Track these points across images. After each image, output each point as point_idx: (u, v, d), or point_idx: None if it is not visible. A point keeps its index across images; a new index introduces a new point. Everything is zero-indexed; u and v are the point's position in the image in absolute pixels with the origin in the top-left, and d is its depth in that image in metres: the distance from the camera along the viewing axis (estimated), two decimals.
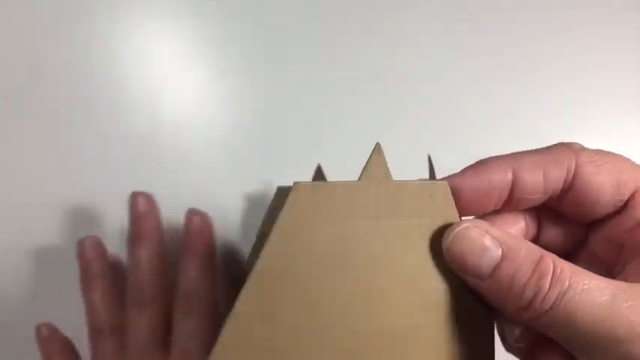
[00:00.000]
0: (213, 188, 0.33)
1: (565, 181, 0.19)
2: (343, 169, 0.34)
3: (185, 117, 0.35)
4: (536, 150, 0.21)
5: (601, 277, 0.16)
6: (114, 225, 0.32)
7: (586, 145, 0.20)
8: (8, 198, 0.32)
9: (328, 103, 0.35)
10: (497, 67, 0.36)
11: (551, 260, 0.16)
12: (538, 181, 0.19)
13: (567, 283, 0.15)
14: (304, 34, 0.37)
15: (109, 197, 0.33)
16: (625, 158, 0.20)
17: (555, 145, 0.21)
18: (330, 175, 0.33)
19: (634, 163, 0.19)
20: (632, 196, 0.19)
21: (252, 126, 0.35)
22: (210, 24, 0.37)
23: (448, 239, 0.18)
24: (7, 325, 0.30)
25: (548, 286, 0.16)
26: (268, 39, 0.37)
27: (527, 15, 0.38)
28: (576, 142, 0.21)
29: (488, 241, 0.17)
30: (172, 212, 0.33)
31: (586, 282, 0.15)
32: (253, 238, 0.30)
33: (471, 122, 0.35)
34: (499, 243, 0.17)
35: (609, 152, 0.20)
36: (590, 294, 0.15)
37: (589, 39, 0.37)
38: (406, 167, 0.34)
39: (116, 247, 0.32)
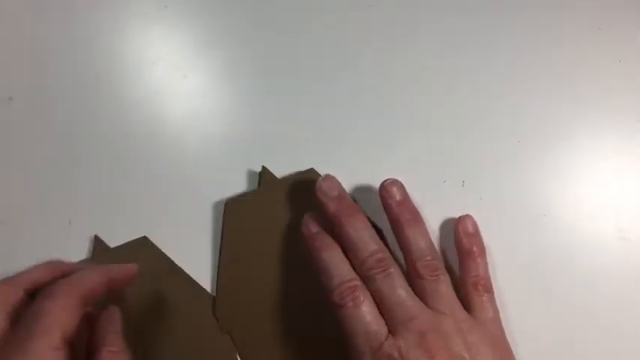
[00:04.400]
0: (214, 188, 0.33)
1: None
2: (343, 170, 0.34)
3: (185, 118, 0.35)
4: None
5: None
6: (113, 223, 0.33)
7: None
8: (10, 197, 0.33)
9: (329, 105, 0.35)
10: (498, 67, 0.36)
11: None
12: None
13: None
14: (305, 36, 0.37)
15: (110, 196, 0.33)
16: None
17: None
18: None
19: None
20: None
21: (252, 127, 0.35)
22: (211, 25, 0.37)
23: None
24: None
25: None
26: (269, 40, 0.37)
27: (526, 15, 0.38)
28: None
29: None
30: (171, 212, 0.33)
31: None
32: None
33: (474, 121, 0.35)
34: None
35: None
36: None
37: (588, 37, 0.37)
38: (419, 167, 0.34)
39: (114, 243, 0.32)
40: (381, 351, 0.24)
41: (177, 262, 0.31)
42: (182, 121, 0.34)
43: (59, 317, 0.22)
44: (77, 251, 0.32)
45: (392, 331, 0.25)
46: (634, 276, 0.32)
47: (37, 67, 0.35)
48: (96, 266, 0.26)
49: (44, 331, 0.21)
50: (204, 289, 0.30)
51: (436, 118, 0.35)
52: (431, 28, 0.37)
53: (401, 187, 0.30)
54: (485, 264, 0.30)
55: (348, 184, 0.33)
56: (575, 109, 0.35)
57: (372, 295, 0.26)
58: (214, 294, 0.30)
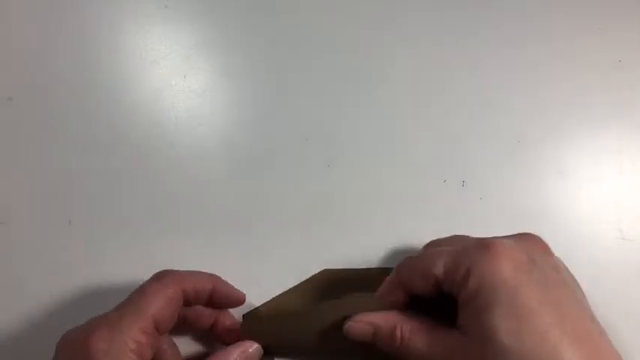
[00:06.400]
0: (213, 189, 0.33)
1: None
2: (344, 170, 0.34)
3: (184, 118, 0.35)
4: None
5: (438, 331, 0.23)
6: (113, 223, 0.33)
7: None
8: (10, 197, 0.33)
9: (329, 104, 0.35)
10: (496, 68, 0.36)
11: (398, 327, 0.24)
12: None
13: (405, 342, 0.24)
14: (305, 36, 0.37)
15: (109, 197, 0.33)
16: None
17: None
18: (333, 176, 0.33)
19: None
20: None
21: (252, 127, 0.35)
22: (211, 25, 0.37)
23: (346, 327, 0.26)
24: None
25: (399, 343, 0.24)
26: (269, 40, 0.37)
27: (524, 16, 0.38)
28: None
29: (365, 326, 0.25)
30: (171, 212, 0.33)
31: (420, 339, 0.23)
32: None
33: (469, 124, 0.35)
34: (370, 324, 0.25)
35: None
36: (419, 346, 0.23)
37: (587, 37, 0.37)
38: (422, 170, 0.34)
39: (118, 245, 0.32)
40: None
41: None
42: (182, 121, 0.34)
43: (157, 300, 0.22)
44: (77, 251, 0.32)
45: None
46: (634, 276, 0.32)
47: (37, 67, 0.35)
48: (211, 274, 0.27)
49: (139, 311, 0.22)
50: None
51: (436, 118, 0.35)
52: (431, 29, 0.37)
53: None
54: None
55: (347, 184, 0.33)
56: (575, 109, 0.35)
57: None
58: None
